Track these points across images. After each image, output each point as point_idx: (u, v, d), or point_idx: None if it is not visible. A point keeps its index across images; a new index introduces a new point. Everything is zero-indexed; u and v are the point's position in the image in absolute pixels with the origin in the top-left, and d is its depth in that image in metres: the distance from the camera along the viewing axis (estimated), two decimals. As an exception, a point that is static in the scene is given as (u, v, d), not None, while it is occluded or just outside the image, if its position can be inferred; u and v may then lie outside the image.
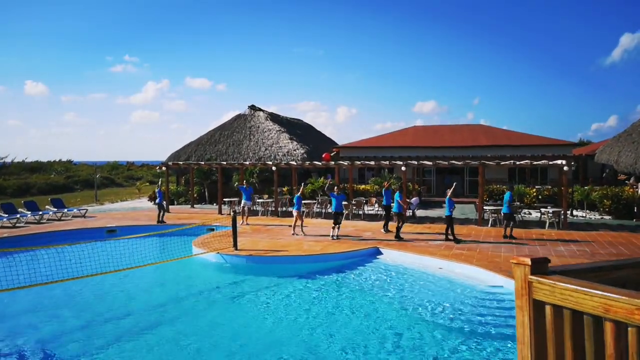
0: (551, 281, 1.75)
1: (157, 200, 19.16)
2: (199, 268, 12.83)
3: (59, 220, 20.56)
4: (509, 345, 7.16)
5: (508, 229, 14.87)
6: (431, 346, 7.27)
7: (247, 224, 18.10)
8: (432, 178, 30.24)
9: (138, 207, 25.89)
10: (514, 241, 14.29)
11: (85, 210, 22.21)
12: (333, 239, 14.74)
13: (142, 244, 14.05)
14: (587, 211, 21.12)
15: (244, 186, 18.92)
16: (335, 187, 16.05)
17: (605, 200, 19.90)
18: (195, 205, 26.13)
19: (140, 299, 10.35)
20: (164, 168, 25.85)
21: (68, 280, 10.01)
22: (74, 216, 21.49)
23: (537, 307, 1.82)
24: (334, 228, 14.93)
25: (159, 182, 21.88)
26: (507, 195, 14.88)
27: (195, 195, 27.42)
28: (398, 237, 14.71)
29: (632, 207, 19.43)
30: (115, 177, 54.10)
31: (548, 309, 1.79)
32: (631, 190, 20.50)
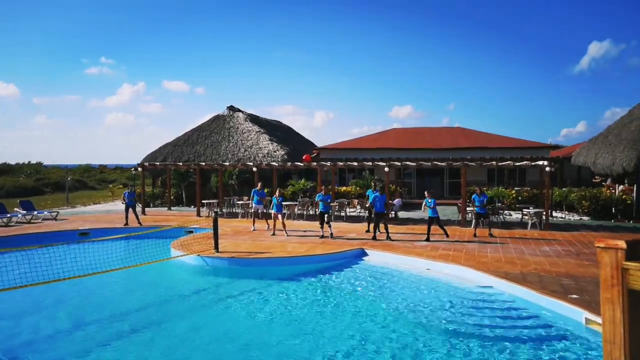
0: None
1: (126, 202, 18.38)
2: (178, 271, 12.30)
3: (29, 223, 19.62)
4: (505, 345, 6.96)
5: (486, 229, 15.48)
6: (422, 348, 7.00)
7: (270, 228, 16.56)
8: (413, 180, 30.22)
9: (112, 210, 25.01)
10: (497, 240, 14.25)
11: (56, 213, 21.28)
12: (324, 238, 14.78)
13: (117, 246, 13.42)
14: (566, 212, 21.33)
15: (257, 189, 17.44)
16: (323, 187, 15.93)
17: (583, 202, 20.15)
18: (172, 208, 25.41)
19: (114, 304, 9.77)
20: (139, 169, 25.06)
21: (36, 285, 9.36)
22: (44, 219, 20.55)
23: (635, 300, 1.52)
24: (323, 227, 15.03)
25: (131, 184, 21.05)
26: (474, 197, 15.46)
27: (172, 197, 26.69)
28: (375, 237, 14.64)
29: (610, 208, 19.70)
30: (87, 180, 52.52)
31: None
32: (609, 191, 20.81)
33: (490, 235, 15.15)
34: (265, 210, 18.04)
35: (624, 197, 19.77)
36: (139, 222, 18.13)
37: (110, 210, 25.29)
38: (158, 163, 26.99)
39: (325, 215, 15.01)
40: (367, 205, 16.68)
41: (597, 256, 1.70)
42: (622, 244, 1.58)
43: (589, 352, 6.58)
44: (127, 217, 18.15)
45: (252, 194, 17.48)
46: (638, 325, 1.53)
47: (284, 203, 17.23)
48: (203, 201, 22.43)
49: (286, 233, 15.49)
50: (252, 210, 17.57)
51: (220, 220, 15.34)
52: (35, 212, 20.78)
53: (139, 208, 21.51)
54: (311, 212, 21.33)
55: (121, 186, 43.79)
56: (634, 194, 19.59)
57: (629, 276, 1.54)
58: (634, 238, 1.60)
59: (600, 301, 1.71)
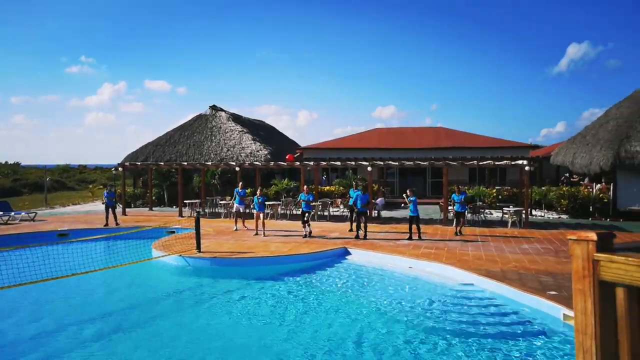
0: (626, 258, 1.47)
1: (106, 202, 18.11)
2: (160, 272, 12.15)
3: (6, 224, 19.18)
4: (485, 340, 7.05)
5: (458, 227, 15.67)
6: (404, 345, 7.05)
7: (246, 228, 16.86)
8: (396, 180, 30.40)
9: (92, 211, 24.60)
10: (478, 239, 14.44)
11: (34, 214, 20.84)
12: (307, 237, 14.77)
13: (97, 247, 13.21)
14: (545, 211, 21.70)
15: (238, 189, 17.28)
16: (305, 187, 15.93)
17: (562, 200, 20.52)
18: (153, 208, 25.11)
19: (94, 306, 9.61)
20: (120, 169, 24.69)
21: (13, 287, 9.15)
22: (22, 220, 20.11)
23: (605, 291, 1.55)
24: (304, 226, 15.03)
25: (110, 184, 20.65)
26: (454, 196, 15.66)
27: (153, 197, 26.37)
28: (358, 236, 14.70)
29: (587, 206, 20.11)
30: (66, 181, 51.51)
31: (621, 291, 1.52)
32: (586, 190, 21.24)
33: (458, 233, 15.45)
34: (247, 210, 17.94)
35: (601, 195, 20.20)
36: (117, 223, 17.89)
37: (90, 210, 24.88)
38: (139, 163, 26.63)
39: (306, 215, 15.04)
40: (349, 205, 16.73)
41: (569, 248, 1.73)
42: (593, 235, 1.62)
43: (566, 345, 6.71)
44: (107, 218, 17.90)
45: (234, 194, 17.39)
46: (609, 315, 1.56)
47: (266, 203, 17.18)
48: (185, 201, 22.22)
49: (264, 233, 15.36)
50: (234, 210, 17.46)
51: (203, 221, 15.23)
52: (12, 213, 20.32)
53: (119, 209, 21.22)
54: (295, 212, 21.30)
55: (101, 187, 43.08)
56: (611, 193, 20.02)
57: (600, 267, 1.57)
58: (604, 230, 1.63)
59: (572, 293, 1.74)
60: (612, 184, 20.06)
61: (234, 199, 17.23)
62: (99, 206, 27.11)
